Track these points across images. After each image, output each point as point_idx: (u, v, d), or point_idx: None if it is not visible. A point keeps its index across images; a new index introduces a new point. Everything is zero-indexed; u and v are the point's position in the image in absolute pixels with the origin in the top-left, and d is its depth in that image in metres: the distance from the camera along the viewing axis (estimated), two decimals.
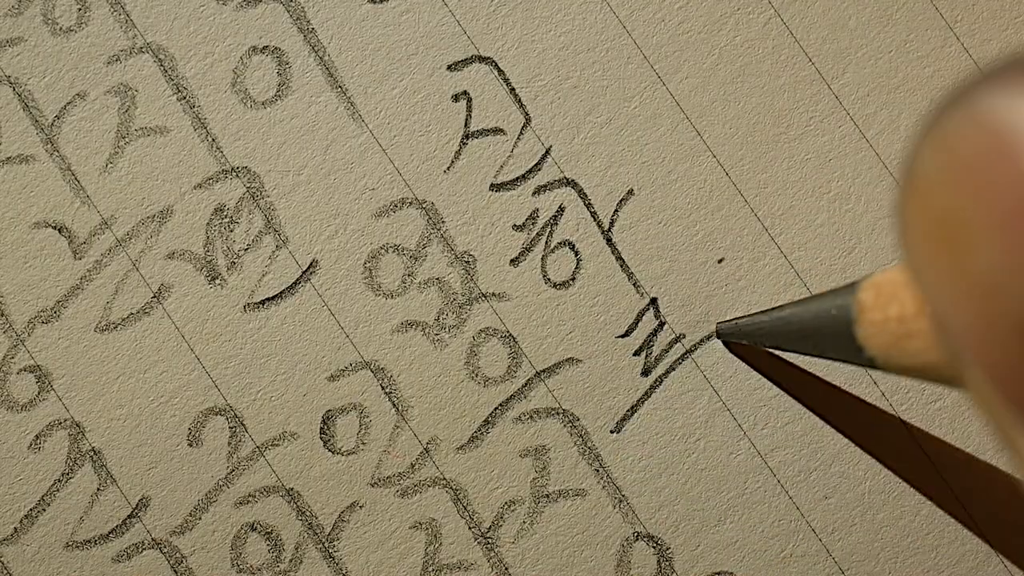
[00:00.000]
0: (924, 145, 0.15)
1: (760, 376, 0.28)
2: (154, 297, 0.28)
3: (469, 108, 0.29)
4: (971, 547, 0.28)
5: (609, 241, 0.28)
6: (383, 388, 0.28)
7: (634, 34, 0.29)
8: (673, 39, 0.29)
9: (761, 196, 0.29)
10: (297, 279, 0.28)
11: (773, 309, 0.26)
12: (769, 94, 0.29)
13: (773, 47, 0.29)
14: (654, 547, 0.28)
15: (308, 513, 0.28)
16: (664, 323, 0.28)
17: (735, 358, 0.28)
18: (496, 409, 0.28)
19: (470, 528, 0.28)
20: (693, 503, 0.28)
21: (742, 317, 0.27)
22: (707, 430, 0.28)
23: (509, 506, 0.28)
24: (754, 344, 0.27)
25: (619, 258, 0.28)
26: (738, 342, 0.28)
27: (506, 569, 0.28)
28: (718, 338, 0.28)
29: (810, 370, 0.28)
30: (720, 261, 0.28)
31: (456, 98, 0.29)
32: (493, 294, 0.28)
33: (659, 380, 0.28)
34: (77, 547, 0.27)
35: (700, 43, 0.29)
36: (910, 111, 0.29)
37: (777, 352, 0.28)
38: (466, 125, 0.29)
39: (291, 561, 0.28)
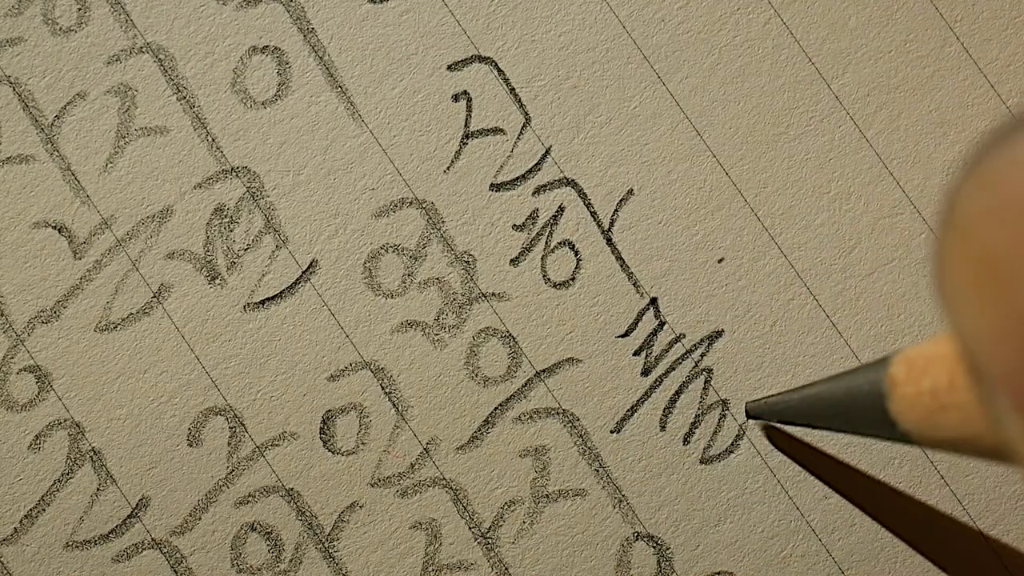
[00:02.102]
0: (966, 184, 0.14)
1: (761, 376, 0.28)
2: (154, 297, 0.28)
3: (469, 108, 0.29)
4: (971, 548, 0.28)
5: (609, 241, 0.28)
6: (383, 388, 0.28)
7: (634, 34, 0.29)
8: (673, 39, 0.29)
9: (761, 196, 0.29)
10: (297, 279, 0.28)
11: (803, 387, 0.26)
12: (769, 94, 0.29)
13: (773, 47, 0.29)
14: (654, 547, 0.28)
15: (308, 513, 0.28)
16: (664, 323, 0.28)
17: (734, 358, 0.28)
18: (496, 409, 0.28)
19: (470, 528, 0.28)
20: (693, 503, 0.28)
21: (771, 396, 0.27)
22: (706, 430, 0.28)
23: (509, 506, 0.28)
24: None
25: (619, 258, 0.28)
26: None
27: (506, 569, 0.28)
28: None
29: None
30: (720, 261, 0.28)
31: (456, 98, 0.29)
32: (493, 294, 0.28)
33: (659, 380, 0.28)
34: (77, 547, 0.27)
35: (700, 43, 0.29)
36: (910, 111, 0.29)
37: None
38: (466, 125, 0.29)
39: (291, 561, 0.28)
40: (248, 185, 0.28)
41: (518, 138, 0.29)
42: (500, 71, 0.29)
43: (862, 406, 0.22)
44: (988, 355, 0.14)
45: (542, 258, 0.28)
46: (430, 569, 0.28)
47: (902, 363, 0.20)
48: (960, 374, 0.18)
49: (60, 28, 0.28)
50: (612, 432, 0.28)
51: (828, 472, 0.28)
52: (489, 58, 0.29)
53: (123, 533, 0.28)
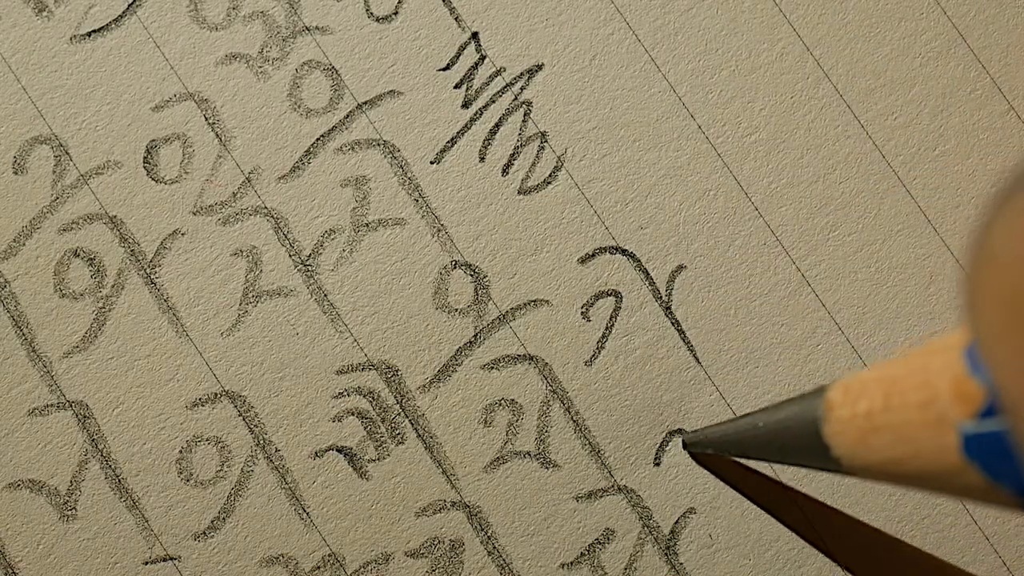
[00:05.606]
0: (997, 222, 0.14)
1: (580, 109, 0.28)
2: None
3: None
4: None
5: None
6: (206, 119, 0.28)
7: None
8: None
9: None
10: (123, 11, 0.29)
11: (740, 417, 0.26)
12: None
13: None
14: (471, 275, 0.28)
15: (131, 240, 0.28)
16: (485, 56, 0.29)
17: (554, 91, 0.28)
18: (318, 140, 0.28)
19: (290, 256, 0.28)
20: (510, 232, 0.28)
21: (708, 427, 0.27)
22: (525, 161, 0.28)
23: (329, 234, 0.28)
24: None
25: None
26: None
27: (325, 296, 0.28)
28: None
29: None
30: None
31: None
32: (316, 27, 0.29)
33: (479, 112, 0.29)
34: None
35: None
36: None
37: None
38: None
39: (113, 287, 0.28)
40: None
41: None
42: None
43: (798, 432, 0.22)
44: (1022, 393, 0.14)
45: None
46: (250, 295, 0.28)
47: (840, 388, 0.21)
48: (894, 395, 0.18)
49: None
50: (432, 163, 0.28)
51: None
52: None
53: None
